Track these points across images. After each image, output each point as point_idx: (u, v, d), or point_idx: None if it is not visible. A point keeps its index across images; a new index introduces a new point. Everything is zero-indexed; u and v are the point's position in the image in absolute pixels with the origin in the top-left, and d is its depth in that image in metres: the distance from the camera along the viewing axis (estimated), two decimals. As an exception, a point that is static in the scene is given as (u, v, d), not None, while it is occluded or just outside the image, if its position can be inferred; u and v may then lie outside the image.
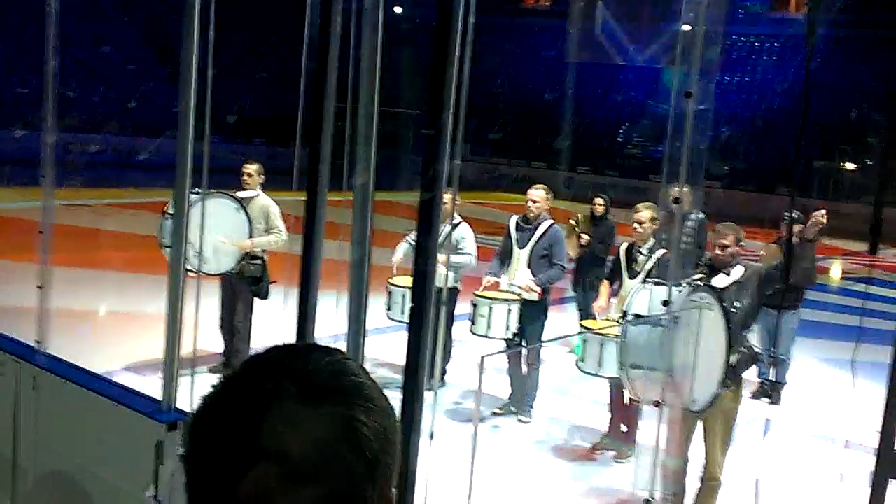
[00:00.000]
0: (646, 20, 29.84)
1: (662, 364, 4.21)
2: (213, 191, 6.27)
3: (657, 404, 3.72)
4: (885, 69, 26.62)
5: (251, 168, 6.88)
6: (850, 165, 27.29)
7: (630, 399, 5.98)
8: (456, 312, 7.06)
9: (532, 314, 6.48)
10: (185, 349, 3.29)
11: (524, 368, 6.77)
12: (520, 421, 6.69)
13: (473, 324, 6.36)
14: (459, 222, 6.91)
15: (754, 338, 5.61)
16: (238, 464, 0.81)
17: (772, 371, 7.62)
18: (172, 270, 3.21)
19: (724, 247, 4.85)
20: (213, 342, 6.85)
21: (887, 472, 2.02)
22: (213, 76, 3.28)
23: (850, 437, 3.23)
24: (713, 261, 4.91)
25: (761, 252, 7.73)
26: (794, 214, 7.21)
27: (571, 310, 8.46)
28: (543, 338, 6.78)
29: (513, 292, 6.49)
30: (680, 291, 4.31)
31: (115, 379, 4.14)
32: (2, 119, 21.16)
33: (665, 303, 3.46)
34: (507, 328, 6.32)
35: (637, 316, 4.55)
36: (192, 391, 3.11)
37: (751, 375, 7.54)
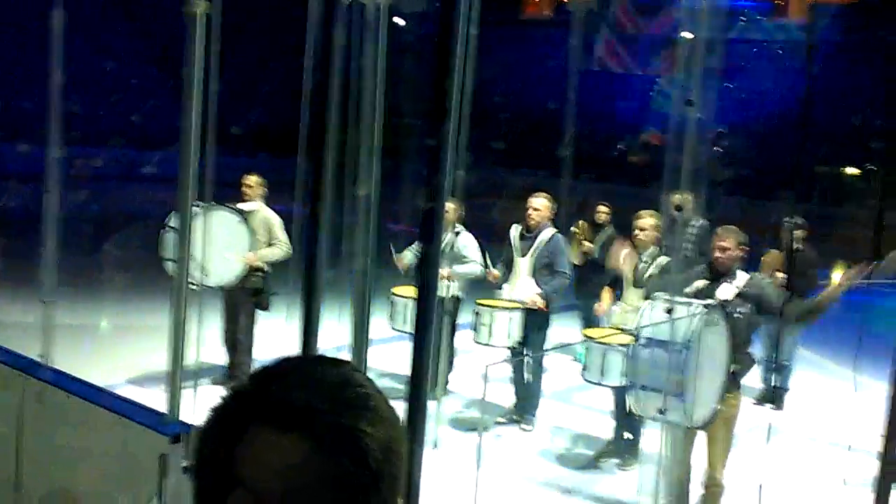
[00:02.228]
0: (648, 28, 29.91)
1: (673, 387, 4.20)
2: (213, 204, 6.30)
3: (661, 412, 3.72)
4: (886, 74, 26.62)
5: (251, 180, 6.89)
6: (852, 171, 27.26)
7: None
8: (458, 321, 7.06)
9: (535, 322, 6.48)
10: (188, 361, 3.30)
11: (527, 377, 6.77)
12: (523, 429, 6.68)
13: (476, 332, 6.36)
14: (461, 231, 6.92)
15: (755, 343, 5.59)
16: (218, 487, 0.83)
17: (774, 377, 7.60)
18: (176, 283, 3.22)
19: (724, 249, 4.82)
20: (216, 354, 6.86)
21: (891, 476, 2.02)
22: (217, 90, 3.30)
23: (853, 442, 3.24)
24: (714, 264, 4.87)
25: (763, 258, 7.72)
26: (795, 220, 7.21)
27: (574, 317, 8.46)
28: (546, 346, 6.78)
29: (515, 300, 6.49)
30: (691, 314, 4.28)
31: (119, 392, 4.15)
32: (6, 134, 21.24)
33: (669, 311, 3.46)
34: (510, 336, 6.32)
35: (649, 339, 4.51)
36: (196, 403, 3.12)
37: (754, 381, 7.53)
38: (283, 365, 0.90)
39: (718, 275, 4.85)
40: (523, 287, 6.56)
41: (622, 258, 5.93)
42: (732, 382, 4.74)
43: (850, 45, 28.26)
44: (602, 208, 8.45)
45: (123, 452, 3.17)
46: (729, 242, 4.82)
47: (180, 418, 3.13)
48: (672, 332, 4.11)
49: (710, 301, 4.61)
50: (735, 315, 4.67)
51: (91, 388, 3.52)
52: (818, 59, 27.39)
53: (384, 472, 0.85)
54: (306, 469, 0.82)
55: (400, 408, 2.42)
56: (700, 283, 4.85)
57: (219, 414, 0.87)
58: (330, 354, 1.01)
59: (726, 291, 4.76)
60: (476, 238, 7.01)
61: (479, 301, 6.48)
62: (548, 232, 6.64)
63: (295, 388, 0.86)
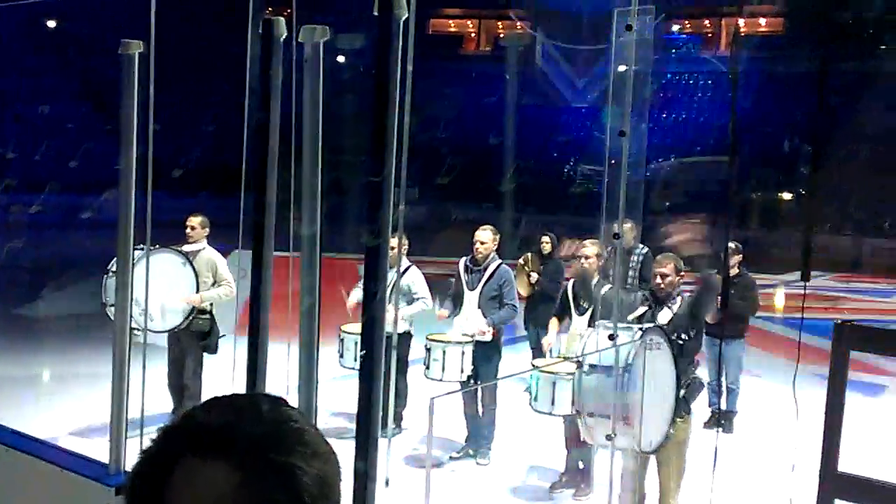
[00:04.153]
0: (583, 62, 30.62)
1: (619, 411, 4.25)
2: (156, 246, 6.20)
3: (609, 437, 3.75)
4: (811, 101, 27.63)
5: (195, 221, 6.81)
6: (786, 195, 28.15)
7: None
8: (410, 357, 7.04)
9: (485, 354, 6.50)
10: (133, 410, 3.22)
11: (479, 409, 6.77)
12: (478, 464, 6.66)
13: (428, 368, 6.35)
14: (409, 267, 6.93)
15: (702, 368, 5.69)
16: None
17: (722, 400, 7.72)
18: (117, 329, 3.16)
19: (663, 276, 4.94)
20: (163, 401, 6.70)
21: (832, 492, 2.07)
22: (156, 130, 3.28)
23: (796, 461, 3.31)
24: (655, 291, 5.00)
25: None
26: (732, 245, 7.40)
27: (524, 349, 8.50)
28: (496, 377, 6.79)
29: (465, 334, 6.50)
30: (632, 337, 4.35)
31: (60, 444, 4.03)
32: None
33: (611, 337, 3.51)
34: (462, 370, 6.32)
35: (592, 366, 4.56)
36: (141, 452, 3.03)
37: (703, 406, 7.64)
38: (214, 402, 0.91)
39: (659, 301, 4.97)
40: (473, 320, 6.58)
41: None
42: (682, 407, 4.81)
43: (778, 75, 29.33)
44: (546, 239, 8.54)
45: (66, 506, 3.07)
46: (668, 269, 4.95)
47: (125, 469, 3.05)
48: (615, 357, 4.17)
49: (649, 324, 4.70)
50: (680, 341, 4.77)
51: (31, 440, 3.41)
52: (750, 89, 28.32)
53: None
54: (237, 501, 0.81)
55: (352, 447, 2.40)
56: (641, 310, 4.95)
57: (147, 453, 0.86)
58: (278, 395, 1.00)
59: (665, 316, 4.88)
60: (422, 272, 7.03)
61: (430, 336, 6.47)
62: (495, 264, 6.69)
63: (223, 417, 0.86)
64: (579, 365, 4.60)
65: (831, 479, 2.06)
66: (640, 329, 4.54)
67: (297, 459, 0.84)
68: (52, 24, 30.03)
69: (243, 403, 0.91)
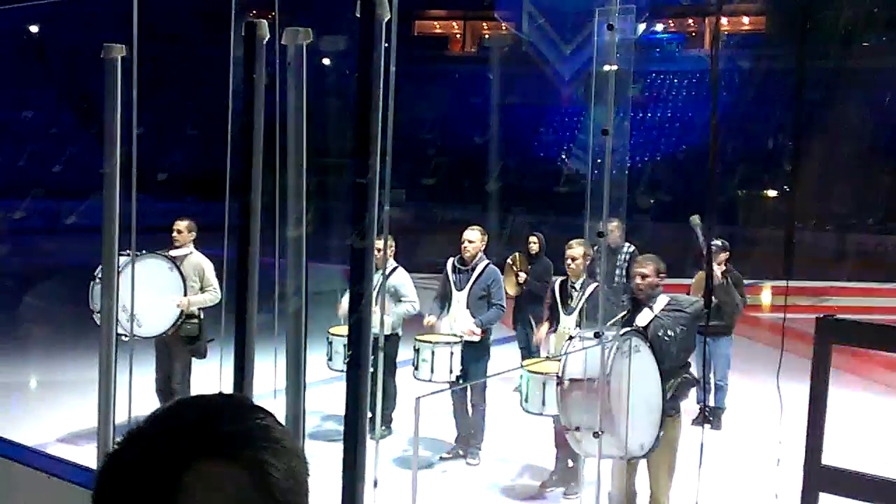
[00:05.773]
0: (568, 61, 30.68)
1: (604, 424, 4.23)
2: (143, 251, 6.18)
3: (596, 434, 3.75)
4: (793, 98, 27.76)
5: (181, 225, 6.78)
6: (771, 193, 28.28)
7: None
8: (399, 359, 7.03)
9: (475, 355, 6.50)
10: (121, 415, 3.21)
11: (469, 409, 6.77)
12: (468, 464, 6.66)
13: (417, 369, 6.34)
14: (396, 268, 6.93)
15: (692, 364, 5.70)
16: None
17: (711, 397, 7.74)
18: (104, 335, 3.15)
19: (643, 276, 4.90)
20: (150, 406, 6.67)
21: (816, 486, 2.09)
22: (141, 135, 3.27)
23: (781, 455, 3.34)
24: (634, 293, 4.95)
25: (693, 280, 7.92)
26: (718, 243, 7.43)
27: (513, 348, 8.52)
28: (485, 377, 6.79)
29: (454, 334, 6.51)
30: (608, 347, 4.28)
31: (48, 451, 4.01)
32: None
33: (597, 335, 3.51)
34: (451, 371, 6.32)
35: (571, 380, 4.52)
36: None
37: (692, 403, 7.66)
38: (177, 408, 0.89)
39: (639, 303, 4.92)
40: (461, 320, 6.58)
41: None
42: (671, 406, 4.79)
43: (761, 72, 29.46)
44: (534, 239, 8.56)
45: (54, 513, 3.05)
46: (648, 269, 4.91)
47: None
48: (590, 368, 4.15)
49: (626, 329, 4.65)
50: (665, 338, 4.74)
51: (19, 447, 3.40)
52: (733, 87, 28.44)
53: (289, 503, 0.85)
54: (247, 498, 0.82)
55: (341, 449, 2.39)
56: (620, 314, 4.92)
57: (140, 460, 0.84)
58: (267, 399, 1.00)
59: (645, 317, 4.84)
60: (410, 274, 7.03)
61: (418, 336, 6.47)
62: (483, 264, 6.70)
63: (227, 422, 0.86)
64: (560, 382, 4.56)
65: (815, 473, 2.08)
66: (622, 334, 4.51)
67: (267, 456, 0.84)
68: (34, 29, 29.85)
69: (211, 403, 0.90)
